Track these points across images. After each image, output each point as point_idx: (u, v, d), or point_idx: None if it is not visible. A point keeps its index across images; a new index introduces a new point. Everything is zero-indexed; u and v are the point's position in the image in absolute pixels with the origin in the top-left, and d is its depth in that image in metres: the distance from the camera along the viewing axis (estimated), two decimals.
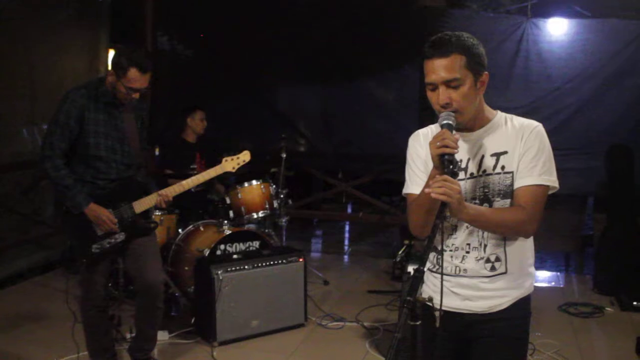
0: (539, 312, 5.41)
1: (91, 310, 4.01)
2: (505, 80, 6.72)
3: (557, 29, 6.81)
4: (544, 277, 6.83)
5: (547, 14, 6.86)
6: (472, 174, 2.33)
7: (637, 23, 6.49)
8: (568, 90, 6.72)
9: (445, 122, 2.19)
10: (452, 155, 2.11)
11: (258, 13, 7.46)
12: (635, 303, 5.73)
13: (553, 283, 6.72)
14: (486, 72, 2.27)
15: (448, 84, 2.20)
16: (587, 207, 7.45)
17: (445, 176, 2.08)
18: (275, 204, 5.85)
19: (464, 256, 2.34)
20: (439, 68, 2.20)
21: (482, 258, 2.33)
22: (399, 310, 4.58)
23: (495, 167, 2.30)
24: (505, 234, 2.31)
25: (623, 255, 6.19)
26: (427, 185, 2.22)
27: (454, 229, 2.35)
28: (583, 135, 6.65)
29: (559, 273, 7.08)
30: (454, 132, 2.17)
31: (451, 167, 2.10)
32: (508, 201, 2.29)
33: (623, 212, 6.33)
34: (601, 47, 6.61)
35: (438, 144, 2.11)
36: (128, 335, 4.60)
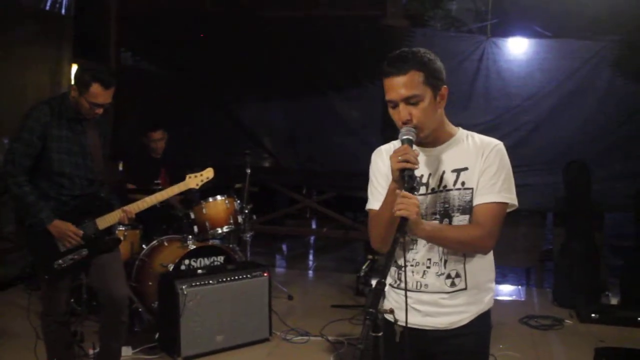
0: (501, 325, 5.50)
1: (52, 326, 3.97)
2: (466, 98, 6.85)
3: (516, 48, 6.98)
4: (505, 291, 6.94)
5: (507, 34, 7.04)
6: (432, 189, 2.35)
7: (593, 44, 6.69)
8: (527, 107, 6.88)
9: (405, 137, 2.21)
10: (412, 170, 2.14)
11: (223, 29, 7.50)
12: (593, 315, 5.86)
13: (514, 297, 6.84)
14: (445, 86, 2.30)
15: (407, 100, 2.23)
16: (546, 222, 7.60)
17: (405, 192, 2.11)
18: (240, 219, 5.85)
19: (424, 271, 2.36)
20: (397, 86, 2.23)
21: (442, 274, 2.34)
22: (363, 322, 4.62)
23: (455, 182, 2.32)
24: (463, 250, 2.33)
25: (581, 269, 6.34)
26: (385, 201, 2.26)
27: (414, 243, 2.37)
28: (541, 152, 6.79)
29: (519, 287, 7.20)
30: (414, 147, 2.20)
31: (411, 182, 2.13)
32: (467, 217, 2.31)
33: (581, 226, 6.48)
34: (559, 66, 6.79)
35: (399, 158, 2.14)
36: (91, 352, 4.54)
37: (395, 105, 2.26)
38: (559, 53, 6.81)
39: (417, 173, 2.31)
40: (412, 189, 2.14)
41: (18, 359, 4.59)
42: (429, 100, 2.25)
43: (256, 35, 7.44)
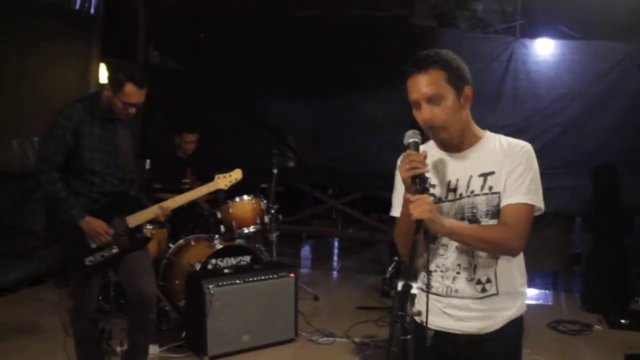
0: (528, 330, 5.39)
1: (82, 322, 4.01)
2: (494, 99, 6.81)
3: (544, 50, 6.92)
4: (533, 295, 6.88)
5: (535, 35, 6.98)
6: (460, 194, 2.31)
7: (622, 45, 6.60)
8: (556, 110, 6.81)
9: (411, 140, 2.21)
10: (422, 173, 2.12)
11: (249, 28, 7.51)
12: (622, 321, 5.78)
13: (542, 301, 6.78)
14: (469, 86, 2.27)
15: (430, 99, 2.21)
16: (574, 226, 7.52)
17: (412, 196, 2.11)
18: (267, 219, 5.87)
19: (454, 277, 2.34)
20: (419, 84, 2.21)
21: (472, 279, 2.32)
22: (390, 325, 4.60)
23: (483, 187, 2.29)
24: (489, 250, 2.28)
25: (610, 274, 6.25)
26: (402, 213, 2.26)
27: (444, 248, 2.34)
28: (570, 155, 6.73)
29: (547, 291, 7.14)
30: (438, 153, 2.21)
31: (422, 184, 2.12)
32: (496, 221, 2.28)
33: (610, 230, 6.39)
34: (588, 68, 6.72)
35: (407, 166, 2.13)
36: (118, 349, 4.58)
37: (419, 106, 2.24)
38: (588, 55, 6.74)
39: (445, 179, 2.31)
40: (425, 191, 2.12)
41: (48, 355, 4.63)
42: (452, 99, 2.22)
43: (283, 34, 7.45)
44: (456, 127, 2.26)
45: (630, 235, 6.75)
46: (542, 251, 6.85)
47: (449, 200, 2.32)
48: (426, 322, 2.20)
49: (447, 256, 2.34)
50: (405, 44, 6.90)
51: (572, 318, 6.00)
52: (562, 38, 6.95)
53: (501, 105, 6.84)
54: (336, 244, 9.81)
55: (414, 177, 2.12)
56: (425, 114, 2.22)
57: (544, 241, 6.83)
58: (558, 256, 7.13)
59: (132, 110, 3.82)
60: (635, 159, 6.54)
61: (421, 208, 2.08)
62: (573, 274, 7.30)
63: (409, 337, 2.03)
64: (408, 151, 2.18)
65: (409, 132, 2.22)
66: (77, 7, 7.32)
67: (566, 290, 7.19)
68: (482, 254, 2.30)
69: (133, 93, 3.73)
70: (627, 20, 6.45)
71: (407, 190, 2.17)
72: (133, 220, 3.93)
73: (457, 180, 2.32)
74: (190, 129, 6.21)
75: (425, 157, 2.15)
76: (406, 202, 2.17)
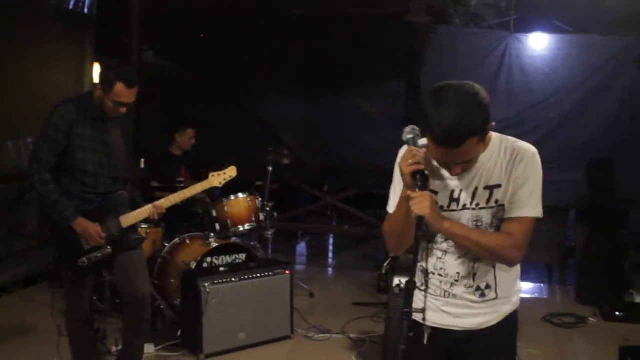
0: (523, 323, 5.37)
1: (76, 323, 4.00)
2: (489, 94, 6.75)
3: (539, 44, 6.93)
4: (528, 289, 6.90)
5: (529, 29, 6.98)
6: (464, 205, 2.28)
7: (617, 39, 6.61)
8: (550, 104, 6.83)
9: (409, 136, 2.19)
10: (424, 170, 2.11)
11: (243, 27, 7.50)
12: (617, 313, 5.81)
13: (536, 294, 6.79)
14: (492, 123, 2.14)
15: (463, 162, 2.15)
16: (568, 219, 7.53)
17: (415, 192, 2.08)
18: (262, 217, 5.87)
19: (452, 283, 2.33)
20: (453, 155, 2.10)
21: (471, 286, 2.32)
22: (386, 321, 4.61)
23: (489, 200, 2.25)
24: (486, 256, 2.27)
25: (605, 267, 6.28)
26: (398, 209, 2.25)
27: (444, 253, 2.33)
28: (565, 149, 6.74)
29: (542, 284, 7.15)
30: (420, 145, 2.18)
31: (424, 181, 2.10)
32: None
33: (604, 224, 6.41)
34: (583, 62, 6.73)
35: (410, 161, 2.11)
36: (114, 349, 4.59)
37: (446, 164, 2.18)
38: (583, 49, 6.75)
39: (448, 188, 2.29)
40: (425, 187, 2.10)
41: (41, 356, 4.62)
42: (479, 147, 2.14)
43: (277, 32, 7.44)
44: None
45: (625, 227, 6.77)
46: (537, 245, 6.79)
47: (451, 210, 2.29)
48: (424, 318, 2.21)
49: (445, 261, 2.33)
50: (401, 40, 6.92)
51: (567, 311, 6.02)
52: (556, 32, 6.94)
53: (496, 100, 6.79)
54: (332, 240, 9.81)
55: (414, 173, 2.10)
56: (455, 171, 2.17)
57: (538, 235, 6.80)
58: (552, 249, 7.13)
59: (124, 110, 3.80)
60: (629, 152, 6.56)
61: (422, 204, 2.06)
62: (567, 267, 7.31)
63: (411, 334, 2.04)
64: (410, 147, 2.16)
65: (407, 129, 2.20)
66: (71, 7, 7.29)
67: (561, 284, 7.20)
68: (481, 262, 2.29)
69: (123, 92, 3.70)
70: (621, 14, 6.45)
71: (408, 186, 2.15)
72: (127, 220, 3.92)
73: (461, 190, 2.28)
74: (192, 124, 6.23)
75: (425, 153, 2.14)
76: (405, 200, 2.15)
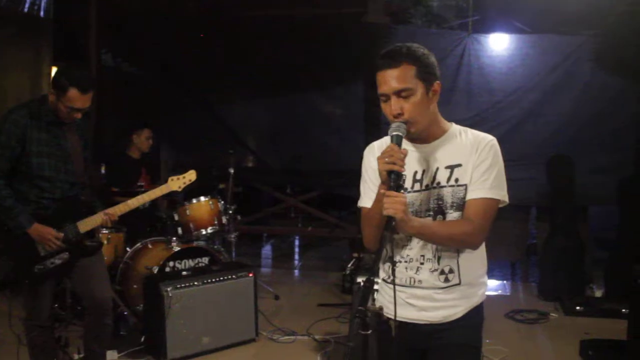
0: (487, 320, 5.41)
1: (35, 331, 3.91)
2: (448, 94, 6.86)
3: (498, 44, 7.00)
4: (491, 286, 6.97)
5: (488, 30, 7.06)
6: (426, 185, 2.33)
7: (573, 38, 6.72)
8: (509, 103, 6.90)
9: (395, 133, 2.19)
10: (397, 171, 2.12)
11: (204, 29, 7.46)
12: (578, 308, 5.91)
13: (500, 291, 6.87)
14: (438, 82, 2.29)
15: (399, 94, 2.21)
16: (530, 217, 7.64)
17: (391, 191, 2.10)
18: (224, 220, 5.83)
19: (418, 267, 2.35)
20: (390, 78, 2.21)
21: (436, 270, 2.34)
22: (351, 320, 4.61)
23: (449, 179, 2.30)
24: (452, 245, 2.32)
25: (565, 262, 6.38)
26: (376, 202, 2.25)
27: (408, 239, 2.35)
28: (525, 147, 6.81)
29: (505, 282, 7.24)
30: (403, 145, 2.19)
31: (397, 181, 2.11)
32: (461, 213, 2.30)
33: (564, 220, 6.51)
34: (540, 61, 6.82)
35: (386, 159, 2.12)
36: (76, 357, 4.50)
37: (387, 99, 2.25)
38: (540, 48, 6.84)
39: (411, 169, 2.31)
40: (399, 188, 2.12)
41: None
42: (421, 94, 2.23)
43: (238, 35, 7.40)
44: (423, 121, 2.27)
45: (585, 223, 6.89)
46: (499, 242, 6.93)
47: (414, 191, 2.33)
48: (395, 314, 2.19)
49: (412, 246, 2.35)
50: (360, 41, 6.93)
51: (530, 307, 6.10)
52: (514, 32, 7.03)
53: (455, 99, 6.88)
54: (297, 242, 9.80)
55: (389, 172, 2.12)
56: (394, 107, 2.22)
57: (500, 232, 6.90)
58: (515, 247, 7.24)
59: (78, 115, 3.73)
60: (588, 149, 6.66)
61: (395, 206, 2.07)
62: (530, 264, 7.41)
63: (369, 332, 2.03)
64: (391, 144, 2.17)
65: (394, 125, 2.22)
66: (26, 10, 7.15)
67: (523, 280, 7.30)
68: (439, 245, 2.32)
69: (77, 98, 3.63)
70: (577, 14, 6.56)
71: (383, 181, 2.17)
72: (84, 225, 3.85)
73: (423, 171, 2.34)
74: (146, 125, 6.15)
75: (405, 155, 2.15)
76: (381, 196, 2.16)
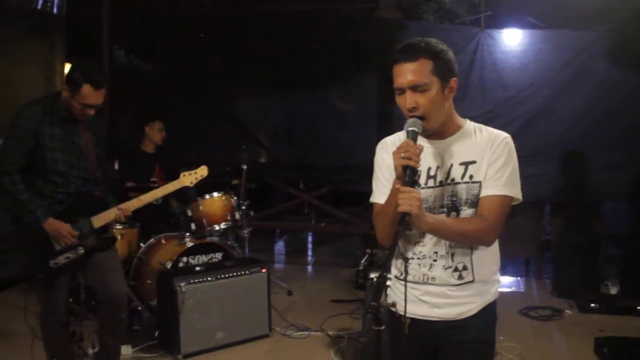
0: (500, 317, 5.42)
1: (52, 326, 3.95)
2: (462, 90, 6.78)
3: (511, 40, 6.95)
4: (505, 283, 6.95)
5: (501, 25, 7.02)
6: (440, 182, 2.33)
7: (587, 33, 6.66)
8: (523, 98, 6.85)
9: (410, 128, 2.20)
10: (413, 167, 2.13)
11: (217, 25, 7.46)
12: (592, 305, 5.87)
13: (514, 288, 6.85)
14: (455, 78, 2.28)
15: (415, 88, 2.21)
16: (544, 213, 7.60)
17: (406, 187, 2.10)
18: (237, 216, 5.85)
19: (431, 264, 2.35)
20: (406, 72, 2.21)
21: (449, 267, 2.33)
22: (364, 316, 4.62)
23: (463, 176, 2.30)
24: (465, 242, 2.32)
25: (579, 259, 6.35)
26: (390, 198, 2.24)
27: (422, 236, 2.35)
28: (539, 143, 6.77)
29: (519, 278, 7.21)
30: (418, 141, 2.19)
31: (412, 177, 2.12)
32: (474, 210, 2.30)
33: (578, 216, 6.48)
34: (554, 57, 6.76)
35: (402, 154, 2.12)
36: (90, 351, 4.53)
37: (402, 92, 2.24)
38: (554, 44, 6.78)
39: (425, 165, 2.31)
40: (413, 184, 2.13)
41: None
42: (436, 90, 2.23)
43: (250, 30, 7.40)
44: (438, 117, 2.27)
45: (599, 220, 6.85)
46: (513, 239, 6.90)
47: (428, 187, 2.33)
48: (405, 311, 2.20)
49: (425, 243, 2.35)
50: (372, 36, 6.92)
51: (544, 304, 6.08)
52: (527, 28, 6.99)
53: (469, 95, 6.84)
54: (310, 238, 9.81)
55: (404, 167, 2.12)
56: (408, 101, 2.22)
57: (514, 229, 6.89)
58: (529, 243, 7.20)
59: (91, 112, 3.76)
60: (602, 145, 6.61)
61: (410, 202, 2.08)
62: (544, 260, 7.38)
63: (382, 327, 2.03)
64: (407, 140, 2.17)
65: (410, 121, 2.22)
66: (39, 7, 7.19)
67: (537, 277, 7.27)
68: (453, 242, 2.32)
69: (90, 94, 3.65)
70: (590, 9, 6.50)
71: (398, 176, 2.17)
72: (98, 220, 3.88)
73: (437, 167, 2.34)
74: (159, 116, 6.17)
75: (421, 151, 2.15)
76: (395, 192, 2.16)
